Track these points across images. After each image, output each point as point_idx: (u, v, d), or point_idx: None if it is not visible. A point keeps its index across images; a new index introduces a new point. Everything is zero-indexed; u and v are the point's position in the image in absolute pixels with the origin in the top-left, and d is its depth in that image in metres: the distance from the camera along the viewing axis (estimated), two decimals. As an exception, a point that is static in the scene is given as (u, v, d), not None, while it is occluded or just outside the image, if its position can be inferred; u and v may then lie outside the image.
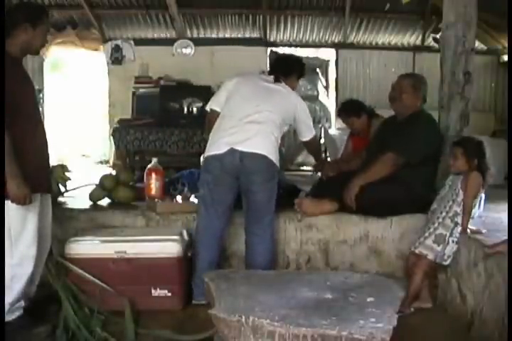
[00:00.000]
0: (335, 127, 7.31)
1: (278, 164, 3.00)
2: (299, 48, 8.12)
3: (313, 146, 3.57)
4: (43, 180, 2.64)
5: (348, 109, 4.41)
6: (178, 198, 3.59)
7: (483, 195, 3.35)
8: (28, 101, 2.54)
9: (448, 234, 2.83)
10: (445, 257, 2.84)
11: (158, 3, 7.19)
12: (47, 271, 2.86)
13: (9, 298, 2.52)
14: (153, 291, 2.97)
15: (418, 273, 2.88)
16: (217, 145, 2.94)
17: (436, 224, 2.86)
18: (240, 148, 2.87)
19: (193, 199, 3.52)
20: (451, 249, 2.84)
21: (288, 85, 3.22)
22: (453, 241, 2.83)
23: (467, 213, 2.83)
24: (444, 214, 2.86)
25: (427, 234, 2.86)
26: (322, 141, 7.26)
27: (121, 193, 3.68)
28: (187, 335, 2.63)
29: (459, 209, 2.83)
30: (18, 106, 2.42)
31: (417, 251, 2.86)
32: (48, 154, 2.73)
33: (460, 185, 2.84)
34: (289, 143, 7.40)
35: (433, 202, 3.00)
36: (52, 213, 2.83)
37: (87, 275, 2.90)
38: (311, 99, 7.71)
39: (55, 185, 3.62)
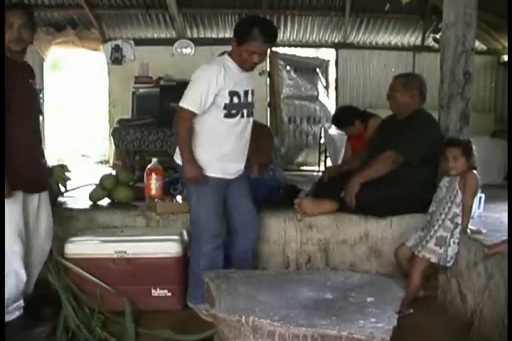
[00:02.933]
0: (335, 127, 7.30)
1: (179, 160, 2.86)
2: (299, 48, 8.12)
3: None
4: (31, 178, 2.64)
5: (341, 121, 4.45)
6: (178, 198, 3.59)
7: (483, 195, 3.36)
8: (18, 101, 2.54)
9: (449, 236, 2.83)
10: (448, 259, 2.83)
11: (158, 3, 7.18)
12: (47, 270, 2.86)
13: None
14: (153, 291, 2.98)
15: (415, 274, 2.88)
16: None
17: (436, 227, 2.86)
18: None
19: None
20: (453, 250, 2.83)
21: (232, 56, 2.81)
22: (454, 243, 2.83)
23: (467, 213, 2.82)
24: (443, 216, 2.85)
25: (428, 238, 2.85)
26: (322, 140, 7.27)
27: (121, 193, 3.68)
28: (187, 335, 2.63)
29: (458, 210, 2.83)
30: (6, 105, 2.44)
31: (420, 255, 2.86)
32: (39, 154, 2.73)
33: (458, 185, 2.84)
34: (289, 143, 7.41)
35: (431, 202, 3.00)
36: (52, 213, 2.83)
37: (87, 275, 2.90)
38: (311, 99, 7.71)
39: (55, 185, 3.62)
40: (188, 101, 2.79)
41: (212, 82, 2.73)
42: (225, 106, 2.79)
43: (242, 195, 3.03)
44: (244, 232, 3.04)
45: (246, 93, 2.86)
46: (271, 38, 2.75)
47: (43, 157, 2.86)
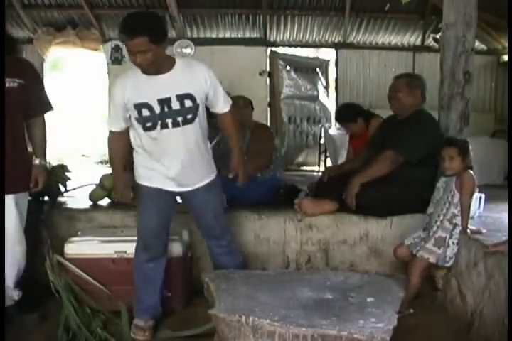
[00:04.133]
0: (335, 127, 7.31)
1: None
2: (299, 48, 8.13)
3: None
4: None
5: (343, 116, 4.44)
6: (178, 199, 3.58)
7: (483, 195, 3.36)
8: None
9: (448, 237, 2.83)
10: (447, 259, 2.84)
11: (158, 3, 7.19)
12: (48, 270, 2.86)
13: None
14: (153, 291, 2.97)
15: (415, 274, 2.89)
16: None
17: (435, 228, 2.86)
18: None
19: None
20: (452, 251, 2.83)
21: None
22: (453, 243, 2.83)
23: (466, 213, 2.82)
24: (441, 217, 2.86)
25: (427, 238, 2.86)
26: (322, 140, 7.27)
27: (122, 193, 3.67)
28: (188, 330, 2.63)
29: (456, 211, 2.83)
30: None
31: (418, 254, 2.87)
32: (13, 157, 2.66)
33: (454, 186, 2.84)
34: (289, 143, 7.41)
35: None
36: (52, 213, 2.82)
37: (85, 275, 2.90)
38: (311, 99, 7.71)
39: (55, 185, 3.62)
40: (107, 121, 2.75)
41: (115, 100, 2.59)
42: (137, 120, 2.57)
43: (204, 211, 2.82)
44: (209, 247, 2.93)
45: (165, 101, 2.52)
46: (127, 32, 2.38)
47: (24, 156, 2.76)
